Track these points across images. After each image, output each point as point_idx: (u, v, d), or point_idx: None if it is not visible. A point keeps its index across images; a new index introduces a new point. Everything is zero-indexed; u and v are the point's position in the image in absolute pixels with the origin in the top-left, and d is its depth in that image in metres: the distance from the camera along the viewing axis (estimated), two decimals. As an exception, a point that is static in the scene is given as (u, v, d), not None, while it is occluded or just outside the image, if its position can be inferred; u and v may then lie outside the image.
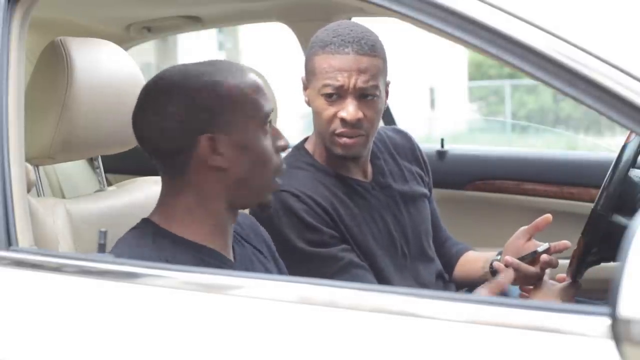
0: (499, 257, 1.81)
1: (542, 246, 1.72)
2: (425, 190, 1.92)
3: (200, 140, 1.29)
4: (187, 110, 1.30)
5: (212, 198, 1.33)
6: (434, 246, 1.91)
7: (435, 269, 1.87)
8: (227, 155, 1.31)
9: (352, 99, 1.64)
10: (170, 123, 1.30)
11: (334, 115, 1.66)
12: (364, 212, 1.74)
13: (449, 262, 1.95)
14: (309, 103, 1.73)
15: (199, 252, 1.32)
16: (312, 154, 1.78)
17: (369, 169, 1.81)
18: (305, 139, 1.83)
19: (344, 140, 1.67)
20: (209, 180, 1.32)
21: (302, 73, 1.76)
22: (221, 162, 1.31)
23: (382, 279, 1.72)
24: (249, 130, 1.33)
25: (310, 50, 1.70)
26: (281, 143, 1.39)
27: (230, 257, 1.39)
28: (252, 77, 1.37)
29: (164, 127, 1.31)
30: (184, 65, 1.38)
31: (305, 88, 1.74)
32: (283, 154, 1.48)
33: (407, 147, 1.94)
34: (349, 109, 1.64)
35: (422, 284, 1.80)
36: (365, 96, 1.65)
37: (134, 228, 1.35)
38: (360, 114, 1.65)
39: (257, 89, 1.36)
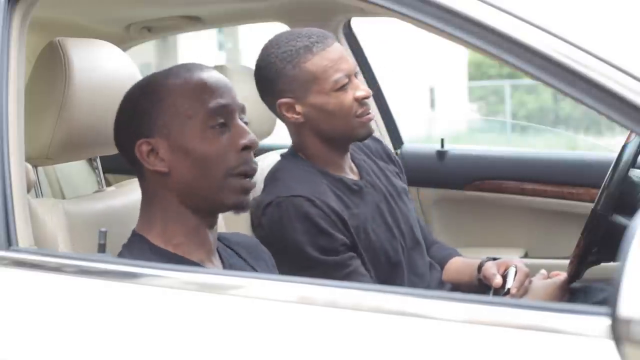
0: (485, 260, 1.84)
1: (510, 273, 1.74)
2: (406, 186, 1.97)
3: (137, 146, 1.30)
4: (130, 117, 1.33)
5: (168, 202, 1.31)
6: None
7: (425, 254, 1.91)
8: (167, 159, 1.28)
9: (356, 78, 1.73)
10: (121, 132, 1.35)
11: (352, 100, 1.71)
12: (364, 211, 1.76)
13: (433, 258, 1.98)
14: (302, 117, 1.72)
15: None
16: (307, 160, 1.79)
17: (355, 168, 1.84)
18: (291, 152, 1.83)
19: (367, 116, 1.73)
20: (157, 184, 1.31)
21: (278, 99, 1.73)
22: (161, 166, 1.29)
23: (384, 274, 1.74)
24: (186, 132, 1.28)
25: (289, 65, 1.69)
26: (243, 142, 1.28)
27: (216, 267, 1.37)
28: (197, 75, 1.31)
29: (118, 136, 1.36)
30: (152, 74, 1.38)
31: (292, 105, 1.72)
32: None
33: (380, 149, 1.99)
34: (363, 87, 1.73)
35: (418, 274, 1.83)
36: (356, 74, 1.75)
37: (130, 244, 1.34)
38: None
39: (199, 87, 1.29)
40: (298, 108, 1.72)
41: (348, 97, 1.70)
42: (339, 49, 1.71)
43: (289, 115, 1.73)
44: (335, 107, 1.70)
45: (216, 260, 1.37)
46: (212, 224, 1.35)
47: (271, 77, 1.72)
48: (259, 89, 1.78)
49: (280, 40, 1.73)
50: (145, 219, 1.35)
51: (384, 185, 1.87)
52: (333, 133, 1.74)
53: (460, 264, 1.94)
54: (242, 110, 1.34)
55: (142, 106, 1.31)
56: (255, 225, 1.72)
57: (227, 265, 1.39)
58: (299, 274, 1.56)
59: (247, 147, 1.29)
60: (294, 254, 1.62)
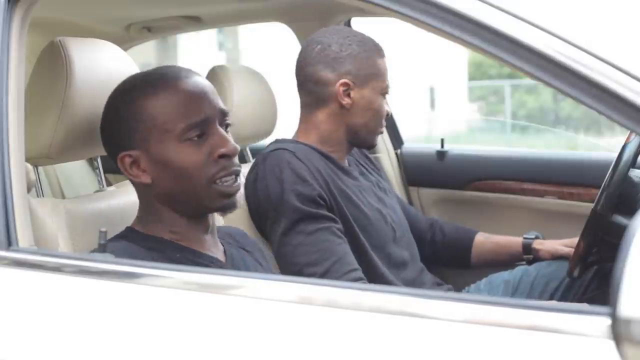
0: (532, 238, 2.01)
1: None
2: (389, 187, 2.05)
3: (119, 159, 1.33)
4: (113, 127, 1.34)
5: (158, 207, 1.35)
6: (420, 230, 2.06)
7: (414, 246, 1.96)
8: (149, 170, 1.31)
9: None
10: (106, 141, 1.36)
11: (385, 111, 1.83)
12: (353, 187, 1.81)
13: (455, 242, 2.08)
14: (351, 103, 1.77)
15: (178, 251, 1.32)
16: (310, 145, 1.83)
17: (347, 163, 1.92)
18: (292, 140, 1.85)
19: (383, 130, 1.86)
20: (144, 192, 1.36)
21: (347, 75, 1.77)
22: (144, 177, 1.31)
23: (375, 247, 1.77)
24: (164, 146, 1.29)
25: (364, 53, 1.77)
26: (221, 151, 1.29)
27: (218, 257, 1.39)
28: (175, 87, 1.31)
29: (105, 145, 1.38)
30: (132, 76, 1.39)
31: (350, 89, 1.77)
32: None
33: (356, 151, 2.02)
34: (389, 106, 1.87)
35: (413, 254, 1.89)
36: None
37: (118, 236, 1.36)
38: None
39: (176, 101, 1.29)
40: (353, 93, 1.78)
41: (385, 107, 1.82)
42: None
43: (343, 96, 1.77)
44: (376, 109, 1.80)
45: (218, 249, 1.40)
46: (204, 221, 1.37)
47: (343, 55, 1.76)
48: (319, 60, 1.78)
49: (352, 31, 1.81)
50: (140, 214, 1.39)
51: (373, 176, 1.96)
52: (360, 128, 1.80)
53: (492, 245, 2.06)
54: (224, 114, 1.34)
55: (123, 115, 1.33)
56: (249, 182, 1.76)
57: (227, 254, 1.42)
58: (278, 222, 1.64)
59: (224, 156, 1.30)
60: (275, 199, 1.67)
